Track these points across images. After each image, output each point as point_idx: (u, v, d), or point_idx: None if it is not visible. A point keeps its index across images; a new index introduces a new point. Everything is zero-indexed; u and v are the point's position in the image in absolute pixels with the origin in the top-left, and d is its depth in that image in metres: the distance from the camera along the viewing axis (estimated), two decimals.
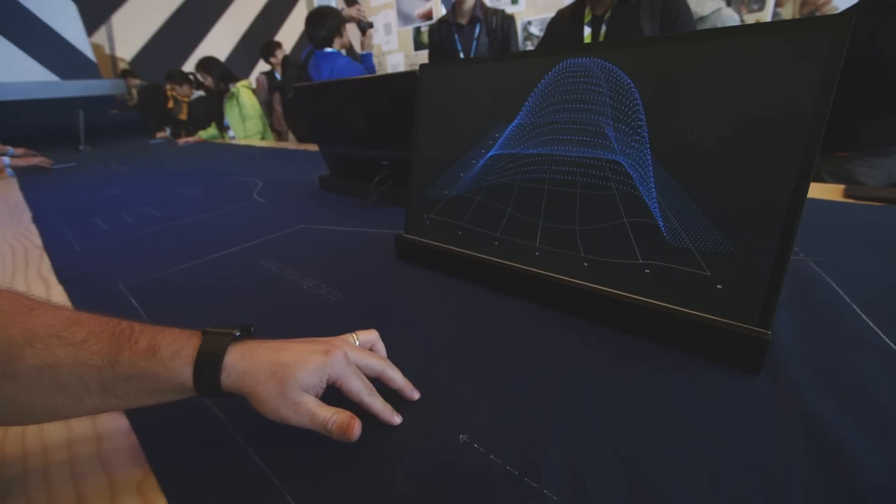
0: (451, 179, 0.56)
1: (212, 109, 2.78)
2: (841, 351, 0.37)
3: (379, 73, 2.00)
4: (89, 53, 3.43)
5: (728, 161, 0.35)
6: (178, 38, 4.76)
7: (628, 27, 1.34)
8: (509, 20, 2.02)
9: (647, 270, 0.39)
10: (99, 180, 1.53)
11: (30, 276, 0.66)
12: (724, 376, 0.35)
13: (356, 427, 0.29)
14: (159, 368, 0.28)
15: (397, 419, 0.32)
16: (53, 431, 0.34)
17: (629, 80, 0.41)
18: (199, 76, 2.63)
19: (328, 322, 0.48)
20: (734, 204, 0.35)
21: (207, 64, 2.60)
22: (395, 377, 0.34)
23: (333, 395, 0.31)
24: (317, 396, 0.30)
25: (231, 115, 2.68)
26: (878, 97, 1.10)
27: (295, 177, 1.30)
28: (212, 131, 2.79)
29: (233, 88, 2.62)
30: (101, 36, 4.31)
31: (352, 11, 2.20)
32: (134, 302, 0.55)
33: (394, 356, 0.39)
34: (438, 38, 2.12)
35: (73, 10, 3.29)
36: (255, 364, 0.29)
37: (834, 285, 0.47)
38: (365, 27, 2.18)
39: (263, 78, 3.27)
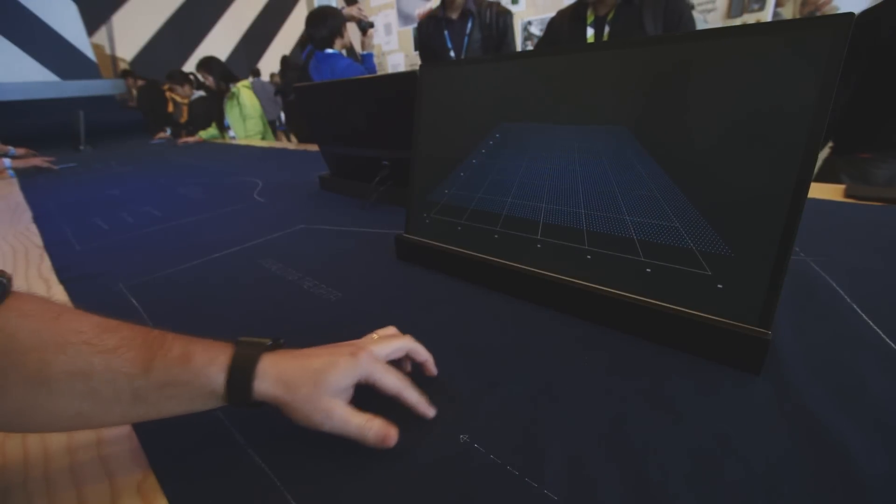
0: (452, 179, 0.56)
1: (212, 109, 2.78)
2: (841, 351, 0.37)
3: (379, 73, 1.96)
4: (89, 53, 3.43)
5: (728, 161, 0.35)
6: (179, 38, 4.77)
7: (631, 28, 1.34)
8: (506, 14, 1.87)
9: (648, 269, 0.40)
10: (99, 180, 1.53)
11: (30, 276, 0.67)
12: (724, 376, 0.35)
13: (394, 434, 0.29)
14: (192, 376, 0.28)
15: (432, 412, 0.32)
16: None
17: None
18: (199, 76, 2.62)
19: (328, 322, 0.48)
20: (735, 204, 0.35)
21: (209, 63, 2.60)
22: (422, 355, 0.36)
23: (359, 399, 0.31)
24: (348, 401, 0.30)
25: (232, 115, 2.68)
26: None
27: (295, 177, 1.30)
28: (212, 131, 2.79)
29: (233, 88, 2.62)
30: (101, 36, 4.31)
31: (352, 11, 2.19)
32: (134, 302, 0.55)
33: None
34: (426, 35, 1.98)
35: (73, 10, 3.30)
36: (285, 371, 0.29)
37: (834, 285, 0.47)
38: (365, 27, 2.17)
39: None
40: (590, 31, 1.42)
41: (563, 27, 1.51)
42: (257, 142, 2.56)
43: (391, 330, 0.38)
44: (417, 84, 0.60)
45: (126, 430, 0.33)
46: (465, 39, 1.88)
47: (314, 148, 1.82)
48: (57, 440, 0.33)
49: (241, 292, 0.56)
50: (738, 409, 0.31)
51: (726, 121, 0.35)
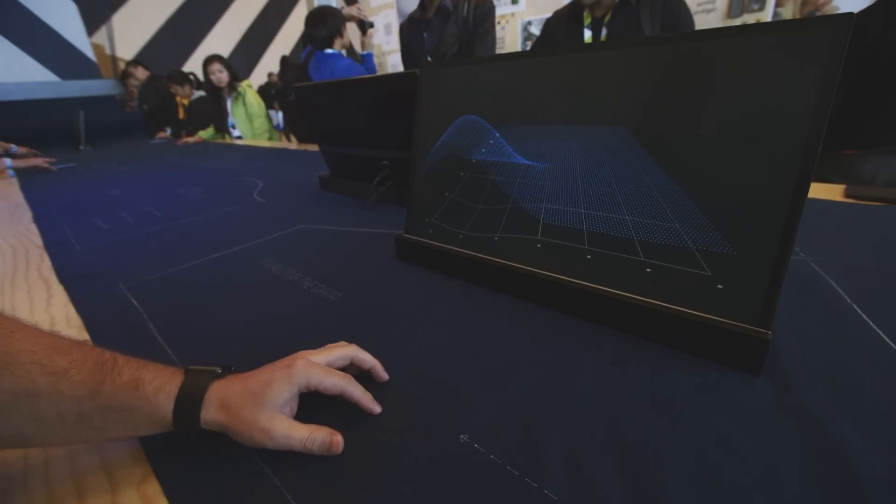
0: (453, 179, 0.56)
1: (212, 110, 2.77)
2: (841, 351, 0.37)
3: (379, 73, 1.95)
4: (90, 53, 3.43)
5: (728, 161, 0.35)
6: (179, 38, 4.76)
7: (629, 29, 1.33)
8: (485, 4, 1.75)
9: (647, 269, 0.40)
10: (99, 180, 1.53)
11: (30, 276, 0.67)
12: (724, 376, 0.35)
13: (339, 441, 0.30)
14: (141, 402, 0.28)
15: (377, 408, 0.33)
16: None
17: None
18: (208, 73, 2.60)
19: (328, 322, 0.48)
20: (735, 204, 0.35)
21: (223, 59, 2.58)
22: (365, 359, 0.36)
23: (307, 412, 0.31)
24: (292, 414, 0.31)
25: (237, 114, 2.68)
26: (888, 95, 1.10)
27: (295, 177, 1.30)
28: (212, 131, 2.79)
29: (239, 88, 2.62)
30: (101, 36, 4.31)
31: (352, 10, 2.18)
32: (134, 302, 0.55)
33: (394, 356, 0.39)
34: (408, 39, 1.92)
35: (73, 10, 3.29)
36: (227, 396, 0.30)
37: (834, 285, 0.47)
38: (366, 27, 2.17)
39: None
40: (587, 34, 1.41)
41: (559, 29, 1.50)
42: (258, 142, 2.56)
43: (340, 343, 0.38)
44: (418, 84, 0.60)
45: None
46: (437, 38, 1.80)
47: (314, 148, 1.82)
48: None
49: (241, 292, 0.56)
50: (738, 409, 0.31)
51: (726, 121, 0.35)
